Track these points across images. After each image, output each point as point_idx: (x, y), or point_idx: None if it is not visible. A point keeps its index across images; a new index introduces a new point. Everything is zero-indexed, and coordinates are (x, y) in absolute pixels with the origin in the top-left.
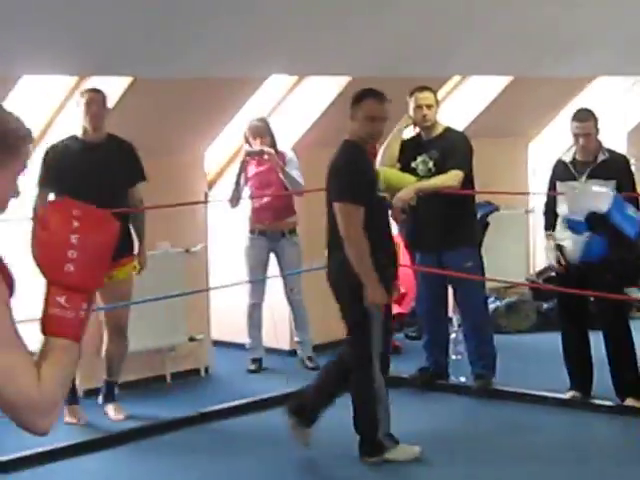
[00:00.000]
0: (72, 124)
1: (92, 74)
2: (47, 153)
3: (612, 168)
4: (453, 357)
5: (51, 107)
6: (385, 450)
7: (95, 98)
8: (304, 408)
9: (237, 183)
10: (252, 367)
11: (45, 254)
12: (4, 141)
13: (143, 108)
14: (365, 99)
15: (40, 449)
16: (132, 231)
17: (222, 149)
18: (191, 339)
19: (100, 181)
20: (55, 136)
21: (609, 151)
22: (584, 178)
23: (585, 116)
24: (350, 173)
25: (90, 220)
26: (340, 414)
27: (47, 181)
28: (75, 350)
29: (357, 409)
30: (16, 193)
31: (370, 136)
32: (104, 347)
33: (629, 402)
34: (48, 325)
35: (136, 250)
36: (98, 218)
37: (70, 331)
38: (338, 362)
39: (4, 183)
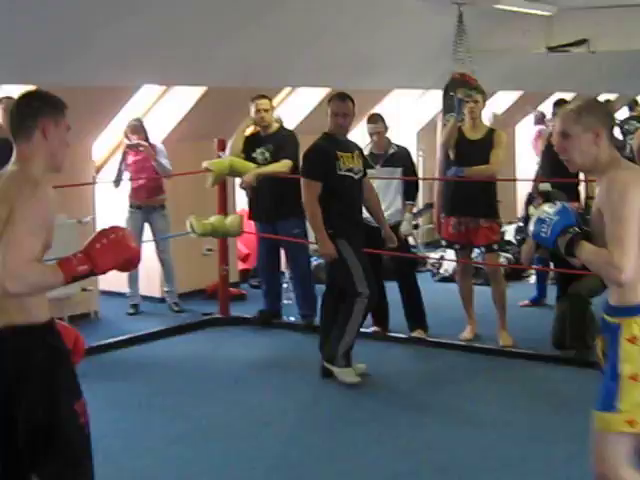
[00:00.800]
0: None
1: (5, 82)
2: None
3: (399, 158)
4: (285, 302)
5: None
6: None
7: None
8: (330, 351)
9: (119, 169)
10: (131, 311)
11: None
12: (56, 105)
13: None
14: (331, 100)
15: None
16: None
17: (106, 142)
18: (83, 289)
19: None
20: None
21: (397, 145)
22: (378, 166)
23: (376, 119)
24: (309, 156)
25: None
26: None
27: None
28: (58, 282)
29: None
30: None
31: (336, 127)
32: None
33: (416, 334)
34: (63, 262)
35: None
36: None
37: (67, 271)
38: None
39: (62, 136)
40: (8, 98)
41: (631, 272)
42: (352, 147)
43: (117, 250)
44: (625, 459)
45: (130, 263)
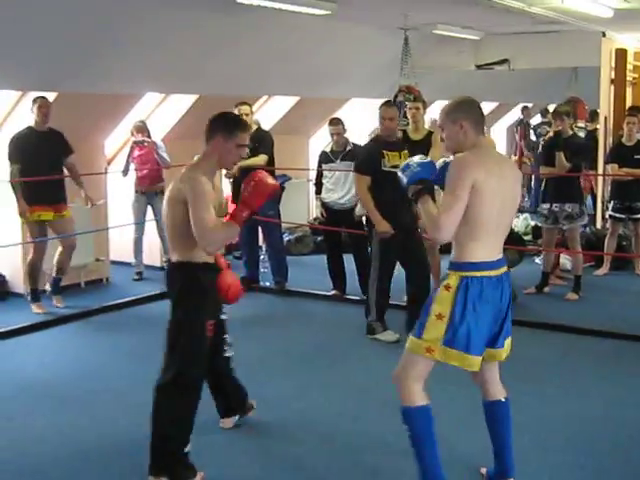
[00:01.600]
0: (21, 121)
1: (31, 90)
2: (14, 139)
3: (355, 154)
4: (262, 270)
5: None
6: (375, 331)
7: (44, 103)
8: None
9: (127, 161)
10: (136, 277)
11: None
12: (230, 128)
13: (67, 112)
14: (381, 106)
15: (11, 327)
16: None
17: (116, 139)
18: (97, 260)
19: (48, 156)
20: (11, 128)
21: (353, 143)
22: (338, 161)
23: (336, 122)
24: (360, 154)
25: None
26: None
27: (16, 157)
28: (236, 230)
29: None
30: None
31: (385, 129)
32: (55, 259)
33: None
34: (232, 215)
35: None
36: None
37: (237, 221)
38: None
39: (228, 148)
40: (42, 98)
41: (447, 234)
42: (400, 147)
43: (261, 190)
44: (417, 375)
45: (274, 194)
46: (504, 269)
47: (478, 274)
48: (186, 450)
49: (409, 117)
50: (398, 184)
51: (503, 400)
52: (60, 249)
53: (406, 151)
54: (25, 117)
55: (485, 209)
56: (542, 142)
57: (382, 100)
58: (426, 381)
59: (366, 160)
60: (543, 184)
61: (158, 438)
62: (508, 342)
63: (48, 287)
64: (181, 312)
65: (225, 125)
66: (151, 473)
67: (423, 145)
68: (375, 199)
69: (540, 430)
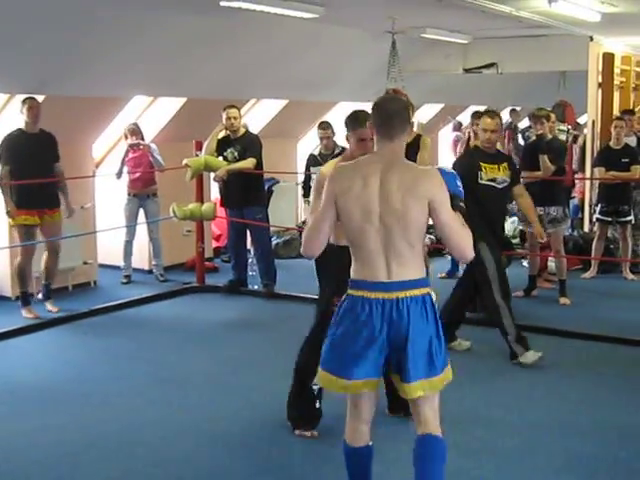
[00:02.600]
0: (9, 123)
1: (19, 93)
2: (4, 140)
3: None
4: (250, 273)
5: None
6: (516, 354)
7: (34, 104)
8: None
9: (121, 164)
10: (124, 280)
11: None
12: (351, 123)
13: (54, 115)
14: (481, 117)
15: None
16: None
17: (105, 142)
18: (85, 262)
19: (39, 158)
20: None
21: (342, 147)
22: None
23: (326, 126)
24: (455, 166)
25: None
26: None
27: (6, 159)
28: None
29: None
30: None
31: (484, 141)
32: (42, 264)
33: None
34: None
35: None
36: None
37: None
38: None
39: (354, 141)
40: (32, 99)
41: (307, 250)
42: (499, 159)
43: None
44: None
45: None
46: (398, 294)
47: (354, 293)
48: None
49: None
50: (497, 198)
51: (432, 435)
52: (45, 254)
53: (506, 164)
54: (12, 120)
55: (350, 225)
56: (524, 146)
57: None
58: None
59: (460, 172)
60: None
61: None
62: (423, 384)
63: (40, 296)
64: None
65: (349, 121)
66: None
67: (411, 149)
68: (471, 214)
69: (528, 432)
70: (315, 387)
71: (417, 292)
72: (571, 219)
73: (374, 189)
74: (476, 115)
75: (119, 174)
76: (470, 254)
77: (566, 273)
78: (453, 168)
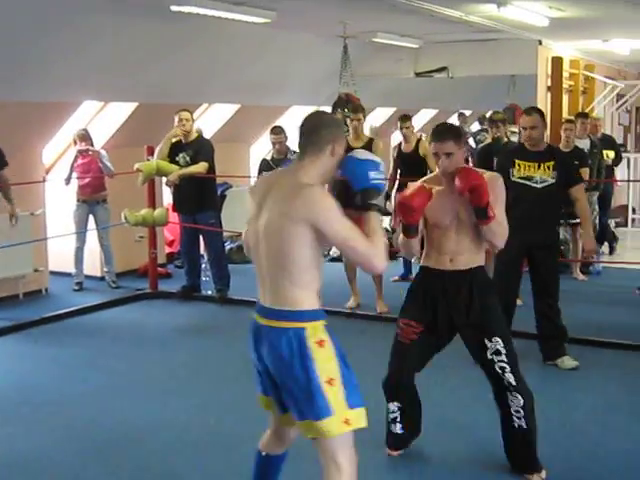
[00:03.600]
0: None
1: None
2: None
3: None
4: (203, 279)
5: None
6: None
7: None
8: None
9: (70, 170)
10: (76, 288)
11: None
12: (341, 128)
13: (2, 120)
14: (522, 115)
15: None
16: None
17: (55, 148)
18: (35, 270)
19: None
20: None
21: (294, 151)
22: (280, 168)
23: (279, 130)
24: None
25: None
26: None
27: None
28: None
29: None
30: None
31: (525, 138)
32: None
33: None
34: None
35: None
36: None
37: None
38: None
39: (338, 158)
40: None
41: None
42: (543, 158)
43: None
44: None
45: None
46: (270, 322)
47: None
48: None
49: (350, 127)
50: (534, 198)
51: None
52: None
53: (552, 163)
54: None
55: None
56: (478, 149)
57: (322, 107)
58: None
59: (494, 168)
60: None
61: (531, 433)
62: (309, 425)
63: None
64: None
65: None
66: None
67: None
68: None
69: (483, 430)
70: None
71: (287, 324)
72: None
73: (262, 210)
74: (402, 118)
75: (68, 180)
76: (380, 267)
77: None
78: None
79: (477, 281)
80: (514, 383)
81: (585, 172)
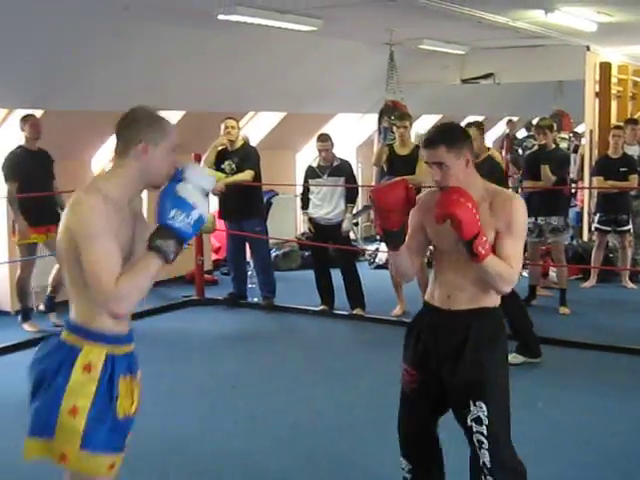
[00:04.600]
0: (7, 138)
1: (18, 107)
2: (9, 158)
3: (342, 169)
4: (250, 286)
5: None
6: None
7: (37, 121)
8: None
9: None
10: None
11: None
12: (159, 124)
13: (53, 130)
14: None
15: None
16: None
17: (103, 157)
18: None
19: (41, 175)
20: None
21: (340, 159)
22: (325, 176)
23: (325, 138)
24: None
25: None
26: None
27: (12, 176)
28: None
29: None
30: (172, 168)
31: None
32: (51, 278)
33: (357, 311)
34: None
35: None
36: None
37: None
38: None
39: (158, 159)
40: (32, 116)
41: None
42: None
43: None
44: None
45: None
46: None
47: None
48: None
49: (396, 134)
50: None
51: None
52: (56, 267)
53: None
54: (11, 135)
55: None
56: (525, 156)
57: (368, 115)
58: None
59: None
60: (525, 198)
61: None
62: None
63: (42, 307)
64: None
65: None
66: None
67: (410, 159)
68: None
69: (530, 442)
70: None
71: (65, 336)
72: (573, 227)
73: None
74: (470, 125)
75: None
76: (116, 311)
77: (567, 282)
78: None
79: (477, 328)
80: (489, 464)
81: (634, 179)
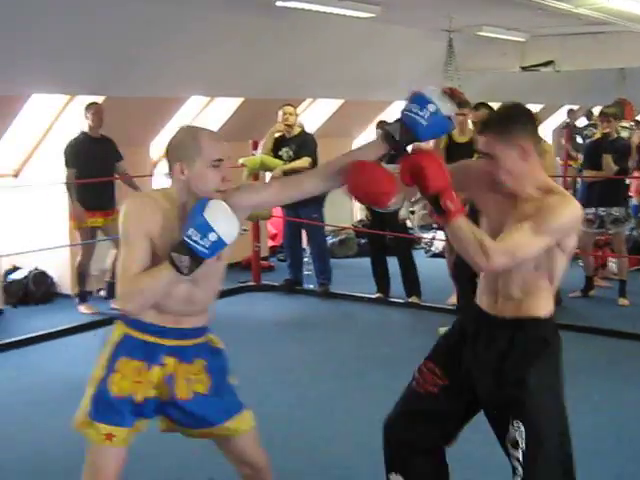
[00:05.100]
0: (69, 124)
1: (80, 94)
2: (70, 145)
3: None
4: (306, 273)
5: (51, 114)
6: None
7: (100, 109)
8: None
9: None
10: None
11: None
12: (194, 141)
13: (114, 116)
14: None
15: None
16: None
17: (163, 142)
18: None
19: (103, 161)
20: (60, 132)
21: None
22: (384, 163)
23: (384, 125)
24: None
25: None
26: None
27: (72, 163)
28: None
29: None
30: (218, 184)
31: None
32: (109, 262)
33: (413, 299)
34: None
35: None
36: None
37: None
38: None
39: (198, 175)
40: (96, 104)
41: None
42: None
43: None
44: None
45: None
46: None
47: None
48: None
49: (455, 122)
50: None
51: None
52: (114, 252)
53: None
54: (73, 121)
55: None
56: (586, 144)
57: None
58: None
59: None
60: (585, 187)
61: None
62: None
63: (102, 293)
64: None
65: None
66: None
67: (468, 147)
68: None
69: (588, 436)
70: None
71: None
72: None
73: None
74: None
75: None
76: (123, 307)
77: (627, 273)
78: None
79: (522, 341)
80: None
81: None
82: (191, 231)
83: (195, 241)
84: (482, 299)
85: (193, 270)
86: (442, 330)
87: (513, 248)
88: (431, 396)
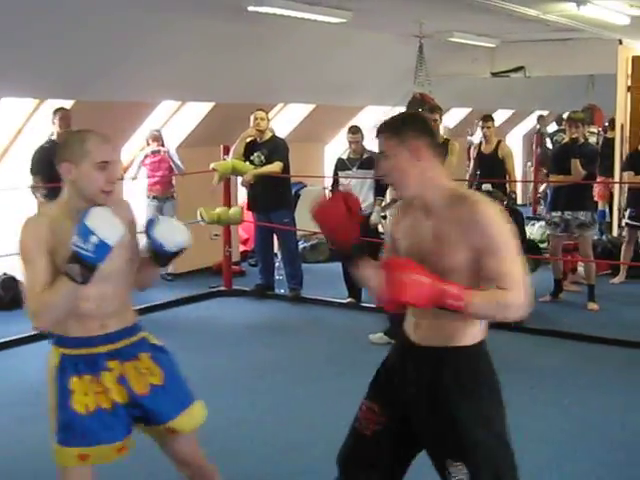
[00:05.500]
0: (40, 130)
1: (49, 98)
2: (37, 152)
3: (372, 162)
4: (277, 277)
5: (20, 118)
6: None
7: (66, 114)
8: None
9: (138, 167)
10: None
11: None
12: (79, 143)
13: (83, 120)
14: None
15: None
16: None
17: (131, 148)
18: None
19: None
20: (29, 137)
21: (370, 151)
22: (355, 169)
23: (355, 130)
24: None
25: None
26: None
27: (37, 170)
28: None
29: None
30: (103, 185)
31: None
32: None
33: None
34: None
35: None
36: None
37: None
38: None
39: (84, 177)
40: (64, 109)
41: None
42: None
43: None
44: None
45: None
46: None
47: None
48: None
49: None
50: None
51: None
52: None
53: None
54: (42, 125)
55: None
56: (554, 149)
57: (397, 108)
58: None
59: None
60: (553, 191)
61: None
62: None
63: None
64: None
65: None
66: None
67: (493, 156)
68: None
69: (558, 440)
70: None
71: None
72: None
73: None
74: (484, 118)
75: (135, 177)
76: (34, 323)
77: (595, 278)
78: None
79: (451, 372)
80: None
81: None
82: (75, 238)
83: (80, 247)
84: (407, 322)
85: (88, 277)
86: (372, 337)
87: (516, 283)
88: (377, 435)
